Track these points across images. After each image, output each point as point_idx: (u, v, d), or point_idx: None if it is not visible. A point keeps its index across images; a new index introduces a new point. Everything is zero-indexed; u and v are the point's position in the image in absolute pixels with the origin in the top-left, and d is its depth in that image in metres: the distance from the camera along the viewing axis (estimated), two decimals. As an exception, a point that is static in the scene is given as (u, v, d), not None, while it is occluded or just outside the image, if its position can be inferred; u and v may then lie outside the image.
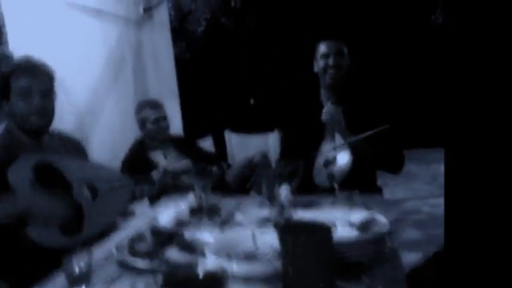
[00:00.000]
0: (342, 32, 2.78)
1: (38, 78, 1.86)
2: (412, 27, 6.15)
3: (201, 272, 0.84)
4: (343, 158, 2.19)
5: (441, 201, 3.47)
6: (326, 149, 2.22)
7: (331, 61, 2.42)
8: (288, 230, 0.99)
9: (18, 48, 2.48)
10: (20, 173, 1.76)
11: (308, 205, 1.76)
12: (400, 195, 4.70)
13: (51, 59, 2.52)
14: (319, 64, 2.47)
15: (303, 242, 0.95)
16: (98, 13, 3.58)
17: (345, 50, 2.47)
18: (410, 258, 2.27)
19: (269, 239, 1.12)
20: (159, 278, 0.80)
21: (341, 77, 2.44)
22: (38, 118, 1.86)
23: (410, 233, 3.39)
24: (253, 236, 1.10)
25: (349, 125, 2.26)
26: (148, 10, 4.19)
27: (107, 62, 3.70)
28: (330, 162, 2.17)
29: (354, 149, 2.19)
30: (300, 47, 2.64)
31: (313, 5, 4.12)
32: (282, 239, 0.98)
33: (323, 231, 1.00)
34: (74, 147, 2.19)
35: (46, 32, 2.93)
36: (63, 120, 2.89)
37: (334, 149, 2.17)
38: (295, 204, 1.84)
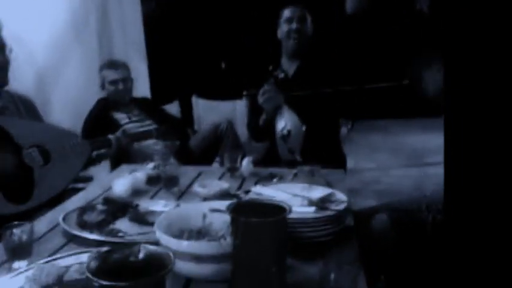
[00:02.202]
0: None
1: None
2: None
3: (141, 254, 0.78)
4: (294, 127, 2.12)
5: (401, 172, 3.52)
6: (279, 125, 2.15)
7: (294, 26, 2.38)
8: (239, 211, 0.94)
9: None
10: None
11: (270, 178, 1.73)
12: (362, 165, 4.72)
13: (10, 14, 2.38)
14: (282, 29, 2.43)
15: (254, 223, 0.91)
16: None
17: (309, 16, 2.44)
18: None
19: (222, 216, 1.07)
20: (94, 260, 0.74)
21: (304, 43, 2.40)
22: None
23: (368, 203, 3.42)
24: (204, 216, 1.05)
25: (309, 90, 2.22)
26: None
27: (70, 19, 3.52)
28: (286, 136, 2.11)
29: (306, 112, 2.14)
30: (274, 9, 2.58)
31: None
32: (233, 219, 0.93)
33: (276, 213, 0.95)
34: (25, 107, 2.07)
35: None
36: (21, 80, 2.76)
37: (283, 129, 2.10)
38: (257, 177, 1.81)
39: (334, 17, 2.20)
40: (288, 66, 2.44)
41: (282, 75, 2.31)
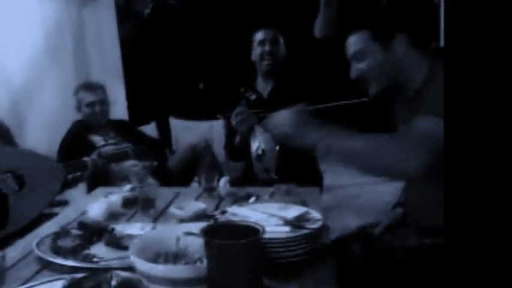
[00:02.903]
0: (280, 21, 2.78)
1: None
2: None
3: (114, 281, 0.78)
4: (268, 146, 2.14)
5: (380, 187, 3.55)
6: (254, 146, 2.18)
7: (267, 48, 2.43)
8: (213, 233, 0.94)
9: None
10: None
11: (246, 198, 1.73)
12: (339, 181, 4.75)
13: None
14: (256, 52, 2.49)
15: (227, 246, 0.91)
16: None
17: (281, 38, 2.50)
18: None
19: (198, 238, 1.07)
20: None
21: (277, 64, 2.44)
22: None
23: (347, 219, 3.45)
24: (177, 239, 1.05)
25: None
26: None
27: (46, 42, 3.51)
28: (260, 156, 2.13)
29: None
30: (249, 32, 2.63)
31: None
32: (206, 243, 0.94)
33: (249, 234, 0.96)
34: None
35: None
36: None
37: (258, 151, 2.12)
38: (234, 197, 1.81)
39: (308, 38, 2.25)
40: (263, 87, 2.50)
41: (253, 97, 2.35)
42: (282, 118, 1.43)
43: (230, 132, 2.43)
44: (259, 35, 2.49)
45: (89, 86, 2.94)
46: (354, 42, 1.52)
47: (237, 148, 2.32)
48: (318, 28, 2.17)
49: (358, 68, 1.52)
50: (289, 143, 1.43)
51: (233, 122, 2.21)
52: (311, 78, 2.43)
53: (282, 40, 2.50)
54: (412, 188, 1.61)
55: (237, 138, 2.30)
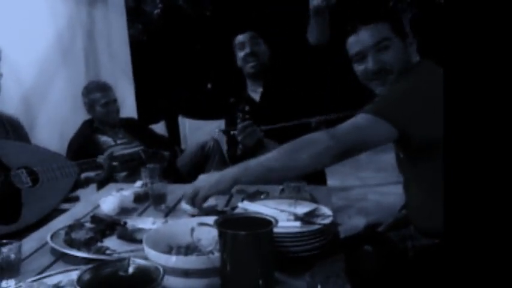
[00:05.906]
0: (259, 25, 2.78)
1: None
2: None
3: (131, 268, 0.80)
4: None
5: (387, 189, 3.54)
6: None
7: (248, 49, 2.44)
8: (227, 225, 0.96)
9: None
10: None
11: (256, 195, 1.75)
12: (348, 183, 4.77)
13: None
14: (239, 56, 2.49)
15: (241, 237, 0.93)
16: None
17: (260, 39, 2.50)
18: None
19: (210, 232, 1.08)
20: (84, 274, 0.75)
21: (262, 65, 2.46)
22: None
23: (355, 220, 3.46)
24: (192, 230, 1.07)
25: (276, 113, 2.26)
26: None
27: (57, 41, 3.55)
28: None
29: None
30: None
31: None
32: (220, 234, 0.95)
33: (262, 226, 0.97)
34: (13, 128, 2.08)
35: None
36: (8, 100, 2.77)
37: None
38: (244, 193, 1.83)
39: (296, 44, 2.27)
40: (253, 91, 2.51)
41: (247, 108, 2.33)
42: (201, 181, 1.45)
43: (231, 144, 2.45)
44: (238, 39, 2.51)
45: (102, 87, 2.94)
46: (371, 34, 1.51)
47: (240, 156, 2.33)
48: (312, 36, 2.18)
49: (379, 59, 1.50)
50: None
51: (239, 137, 2.22)
52: (301, 80, 2.42)
53: (261, 40, 2.51)
54: (408, 191, 1.64)
55: (239, 148, 2.31)
